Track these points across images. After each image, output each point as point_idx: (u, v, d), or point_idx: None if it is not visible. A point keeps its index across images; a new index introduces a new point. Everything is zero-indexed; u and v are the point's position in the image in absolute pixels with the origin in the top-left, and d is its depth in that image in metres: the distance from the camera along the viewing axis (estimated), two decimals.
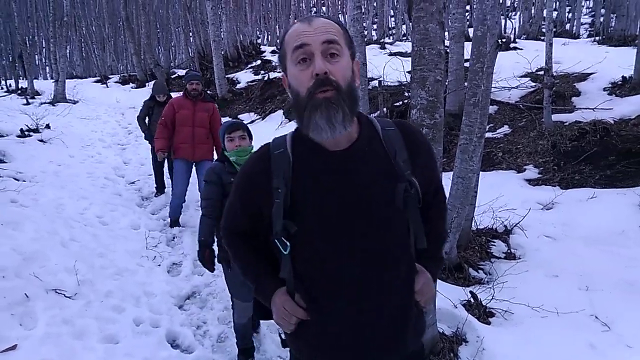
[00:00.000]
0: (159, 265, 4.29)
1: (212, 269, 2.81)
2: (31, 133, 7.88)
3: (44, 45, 27.95)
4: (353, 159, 1.16)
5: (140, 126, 6.28)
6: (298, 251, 1.19)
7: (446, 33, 6.09)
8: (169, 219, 5.36)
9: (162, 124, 5.12)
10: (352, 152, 1.16)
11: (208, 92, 5.36)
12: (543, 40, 8.12)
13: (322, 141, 1.14)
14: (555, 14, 13.75)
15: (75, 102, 12.72)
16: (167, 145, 5.13)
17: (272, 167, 1.19)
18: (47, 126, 8.42)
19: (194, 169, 5.23)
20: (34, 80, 15.76)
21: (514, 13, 24.20)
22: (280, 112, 9.76)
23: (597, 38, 13.16)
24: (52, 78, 17.03)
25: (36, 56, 27.11)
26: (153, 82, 6.53)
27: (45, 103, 12.30)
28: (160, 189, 6.25)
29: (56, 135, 7.97)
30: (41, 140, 7.66)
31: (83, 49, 30.08)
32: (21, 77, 13.58)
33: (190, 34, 17.00)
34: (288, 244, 1.17)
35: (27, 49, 20.37)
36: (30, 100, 12.78)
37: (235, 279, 2.73)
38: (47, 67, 28.20)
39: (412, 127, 1.30)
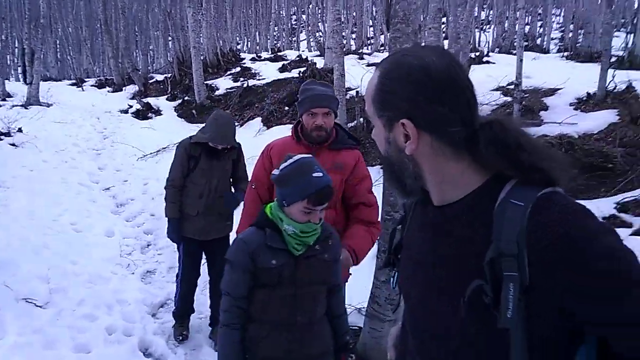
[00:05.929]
0: (133, 273, 4.29)
1: None
2: (2, 137, 7.73)
3: (16, 46, 27.34)
4: (442, 222, 0.91)
5: (168, 202, 3.22)
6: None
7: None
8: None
9: (250, 198, 2.49)
10: (444, 213, 0.90)
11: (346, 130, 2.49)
12: (515, 54, 8.41)
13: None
14: (527, 28, 14.19)
15: (49, 105, 12.48)
16: None
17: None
18: (20, 130, 8.27)
19: None
20: (5, 82, 15.43)
21: (488, 26, 24.84)
22: (259, 119, 9.78)
23: (565, 53, 13.64)
24: (24, 80, 16.66)
25: (8, 57, 26.50)
26: (213, 115, 3.26)
27: (17, 106, 12.04)
28: (183, 315, 3.42)
29: (29, 140, 7.84)
30: (13, 144, 7.52)
31: (58, 51, 29.58)
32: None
33: (170, 38, 16.93)
34: (393, 271, 1.09)
35: None
36: (1, 103, 12.50)
37: None
38: (19, 68, 27.53)
39: (562, 216, 0.75)
